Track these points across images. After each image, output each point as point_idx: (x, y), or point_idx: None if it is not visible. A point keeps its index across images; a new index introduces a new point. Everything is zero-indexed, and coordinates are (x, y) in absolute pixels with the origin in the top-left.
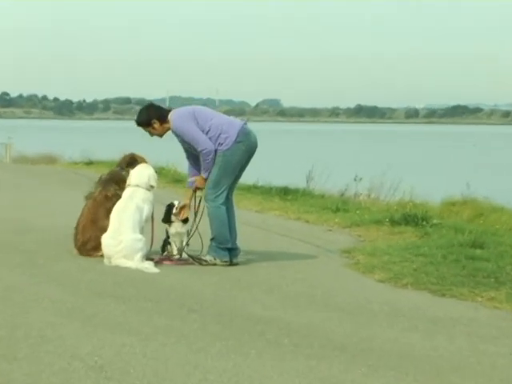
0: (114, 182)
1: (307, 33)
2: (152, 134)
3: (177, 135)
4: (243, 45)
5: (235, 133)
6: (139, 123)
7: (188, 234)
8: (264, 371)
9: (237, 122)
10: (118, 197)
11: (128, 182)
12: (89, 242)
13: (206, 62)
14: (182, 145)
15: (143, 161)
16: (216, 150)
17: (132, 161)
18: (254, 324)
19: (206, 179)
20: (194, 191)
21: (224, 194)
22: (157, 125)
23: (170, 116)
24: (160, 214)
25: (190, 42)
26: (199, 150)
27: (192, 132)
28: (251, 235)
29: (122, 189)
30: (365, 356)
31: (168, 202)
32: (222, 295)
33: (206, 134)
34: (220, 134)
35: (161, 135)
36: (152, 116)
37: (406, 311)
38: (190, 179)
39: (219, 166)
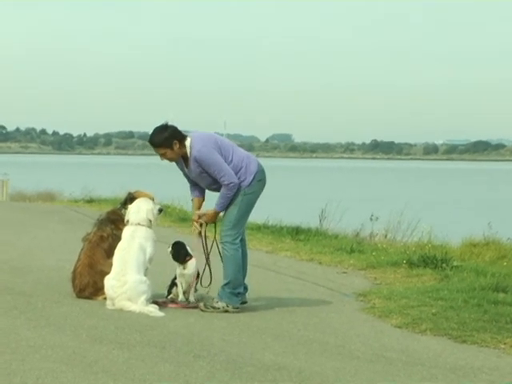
0: (110, 222)
1: (319, 64)
2: (164, 158)
3: (198, 163)
4: (253, 75)
5: (255, 170)
6: (159, 143)
7: (198, 276)
8: None
9: (253, 156)
10: (115, 237)
11: (126, 218)
12: (87, 289)
13: (214, 92)
14: (189, 174)
15: (146, 197)
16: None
17: (131, 198)
18: (264, 371)
19: (218, 214)
20: (200, 225)
21: (241, 235)
22: (176, 146)
23: (190, 142)
24: (162, 253)
25: (195, 70)
26: (225, 183)
27: (220, 163)
28: (261, 277)
29: (119, 228)
30: None
31: (173, 242)
32: (231, 341)
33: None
34: (240, 169)
35: (175, 160)
36: (175, 135)
37: (424, 359)
38: (199, 212)
39: (239, 206)
